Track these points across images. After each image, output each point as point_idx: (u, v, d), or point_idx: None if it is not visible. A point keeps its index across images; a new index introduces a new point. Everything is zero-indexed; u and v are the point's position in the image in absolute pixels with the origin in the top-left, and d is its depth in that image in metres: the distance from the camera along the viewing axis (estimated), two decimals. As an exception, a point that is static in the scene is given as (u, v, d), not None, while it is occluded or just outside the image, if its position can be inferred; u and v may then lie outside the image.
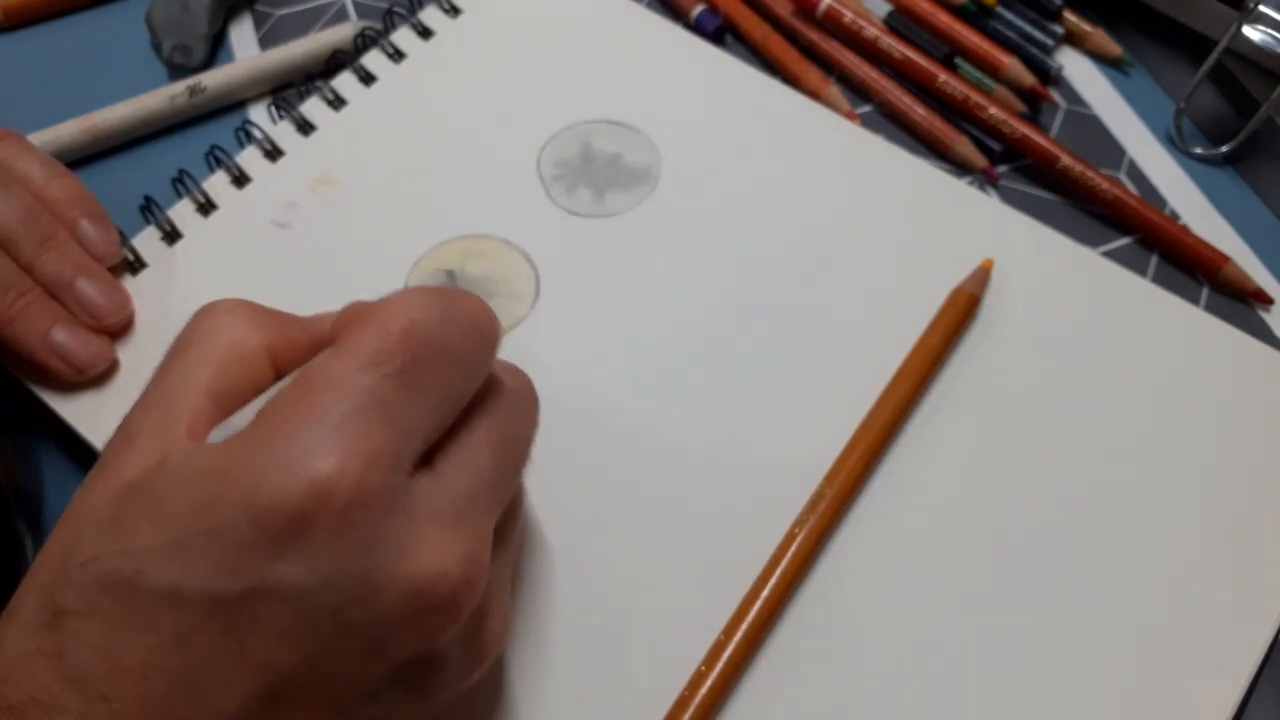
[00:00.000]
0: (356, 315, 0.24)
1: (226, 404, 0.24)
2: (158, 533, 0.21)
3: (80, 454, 0.34)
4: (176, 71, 0.43)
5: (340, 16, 0.45)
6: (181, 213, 0.38)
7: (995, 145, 0.40)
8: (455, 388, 0.24)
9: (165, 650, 0.21)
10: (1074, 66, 0.42)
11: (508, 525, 0.26)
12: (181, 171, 0.38)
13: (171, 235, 0.37)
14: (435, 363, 0.23)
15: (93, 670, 0.21)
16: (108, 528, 0.22)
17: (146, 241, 0.37)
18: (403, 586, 0.21)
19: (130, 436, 0.23)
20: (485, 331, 0.25)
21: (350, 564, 0.21)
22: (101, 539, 0.22)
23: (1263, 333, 0.36)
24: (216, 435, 0.23)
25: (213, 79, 0.41)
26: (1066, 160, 0.38)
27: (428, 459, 0.23)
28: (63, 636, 0.21)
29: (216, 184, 0.38)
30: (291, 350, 0.26)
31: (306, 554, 0.21)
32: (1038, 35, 0.42)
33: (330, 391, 0.22)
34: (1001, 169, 0.40)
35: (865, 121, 0.41)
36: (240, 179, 0.38)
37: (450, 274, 0.34)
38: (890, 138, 0.40)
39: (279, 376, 0.25)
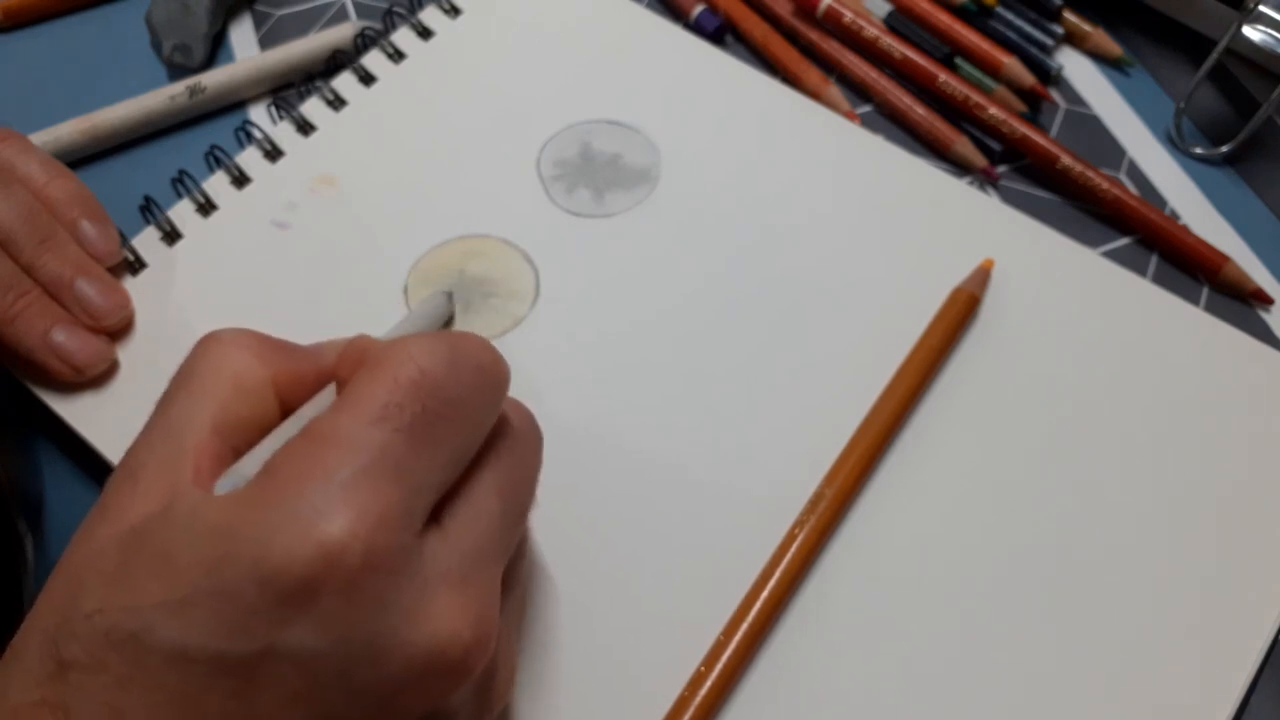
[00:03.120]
0: (363, 358, 0.23)
1: (232, 439, 0.24)
2: (165, 590, 0.21)
3: (80, 454, 0.34)
4: (176, 71, 0.43)
5: (340, 16, 0.45)
6: (181, 213, 0.38)
7: (995, 145, 0.40)
8: (465, 439, 0.23)
9: (171, 709, 0.20)
10: (1074, 66, 0.42)
11: (514, 566, 0.26)
12: (181, 171, 0.38)
13: (171, 235, 0.37)
14: (445, 415, 0.22)
15: None
16: (113, 579, 0.21)
17: (146, 241, 0.37)
18: (413, 651, 0.21)
19: (133, 475, 0.23)
20: (493, 378, 0.24)
21: (360, 628, 0.21)
22: (107, 591, 0.21)
23: (1263, 333, 0.36)
24: (224, 484, 0.23)
25: (213, 79, 0.41)
26: (1066, 160, 0.38)
27: (436, 512, 0.23)
28: (67, 689, 0.21)
29: (216, 184, 0.38)
30: (296, 382, 0.25)
31: (316, 617, 0.20)
32: (1038, 35, 0.42)
33: (339, 448, 0.21)
34: (1001, 169, 0.40)
35: (865, 121, 0.41)
36: (240, 179, 0.38)
37: (449, 295, 0.34)
38: (890, 138, 0.40)
39: (284, 409, 0.25)
